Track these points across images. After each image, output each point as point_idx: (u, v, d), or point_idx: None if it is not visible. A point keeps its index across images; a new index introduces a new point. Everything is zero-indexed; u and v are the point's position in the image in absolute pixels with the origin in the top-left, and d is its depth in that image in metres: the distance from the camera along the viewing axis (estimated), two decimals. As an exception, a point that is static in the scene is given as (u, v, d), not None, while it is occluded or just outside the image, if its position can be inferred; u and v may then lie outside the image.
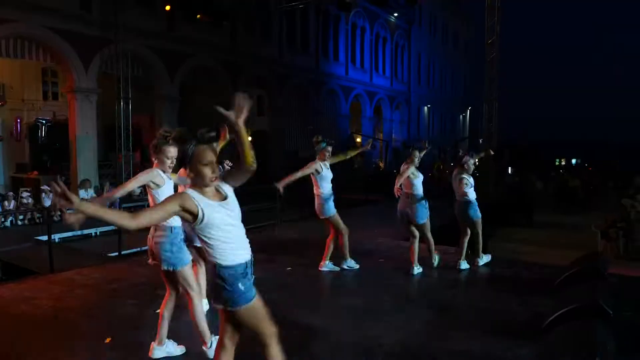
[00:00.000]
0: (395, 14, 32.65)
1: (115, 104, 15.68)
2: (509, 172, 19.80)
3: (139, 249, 7.38)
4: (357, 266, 5.68)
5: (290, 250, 6.59)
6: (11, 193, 12.15)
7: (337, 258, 5.65)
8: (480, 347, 3.34)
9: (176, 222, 3.34)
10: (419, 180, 5.51)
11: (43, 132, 14.23)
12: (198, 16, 17.28)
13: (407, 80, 36.17)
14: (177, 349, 3.45)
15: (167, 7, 16.36)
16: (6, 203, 10.87)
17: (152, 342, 3.41)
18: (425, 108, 39.26)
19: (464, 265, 5.81)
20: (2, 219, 10.28)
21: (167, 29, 17.34)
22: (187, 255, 3.43)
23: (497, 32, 14.52)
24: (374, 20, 31.03)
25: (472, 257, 5.95)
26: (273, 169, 23.07)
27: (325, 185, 5.44)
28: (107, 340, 3.64)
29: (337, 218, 5.50)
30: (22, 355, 3.37)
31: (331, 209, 5.44)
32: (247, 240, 2.54)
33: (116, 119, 15.44)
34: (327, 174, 5.47)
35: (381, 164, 32.46)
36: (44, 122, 14.36)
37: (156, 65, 17.22)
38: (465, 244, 5.91)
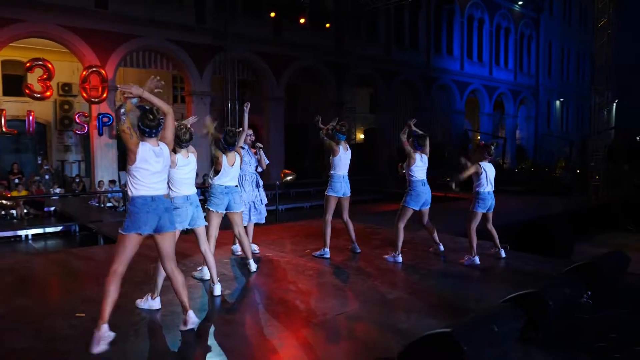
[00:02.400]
0: (520, 2, 30.57)
1: (228, 104, 17.32)
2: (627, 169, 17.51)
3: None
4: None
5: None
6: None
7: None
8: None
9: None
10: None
11: (163, 130, 16.32)
12: (302, 20, 18.21)
13: (534, 72, 33.59)
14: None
15: (272, 14, 17.55)
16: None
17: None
18: (557, 102, 36.01)
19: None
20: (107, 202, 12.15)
21: (274, 34, 18.61)
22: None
23: (609, 13, 12.99)
24: (494, 11, 29.44)
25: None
26: (379, 164, 23.34)
27: None
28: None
29: None
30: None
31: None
32: None
33: (224, 118, 17.07)
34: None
35: (503, 162, 30.60)
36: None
37: (263, 69, 18.61)
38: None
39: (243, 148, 5.57)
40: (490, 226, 5.79)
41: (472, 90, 28.62)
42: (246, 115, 5.59)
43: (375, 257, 5.84)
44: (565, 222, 10.12)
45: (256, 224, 6.02)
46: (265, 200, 6.04)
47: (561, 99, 36.13)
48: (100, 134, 14.65)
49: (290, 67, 19.31)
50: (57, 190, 13.04)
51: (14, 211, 11.01)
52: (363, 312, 3.99)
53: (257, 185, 5.89)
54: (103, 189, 12.80)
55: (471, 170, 5.58)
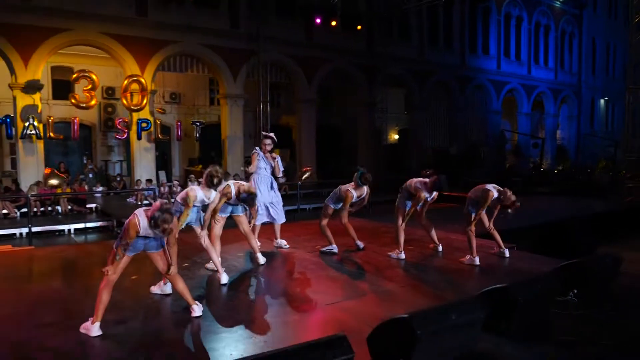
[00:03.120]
0: (561, -1, 29.80)
1: (260, 106, 17.87)
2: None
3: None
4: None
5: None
6: (167, 182, 15.02)
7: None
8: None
9: None
10: None
11: (197, 132, 17.06)
12: (333, 23, 18.52)
13: (576, 70, 32.58)
14: None
15: (303, 19, 17.97)
16: (161, 189, 13.57)
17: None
18: (602, 101, 34.77)
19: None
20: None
21: (306, 37, 19.01)
22: None
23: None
24: (533, 9, 28.79)
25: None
26: (411, 164, 23.32)
27: None
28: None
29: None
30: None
31: None
32: None
33: (256, 120, 17.62)
34: None
35: (541, 163, 29.88)
36: (198, 124, 17.21)
37: (295, 71, 19.05)
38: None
39: (258, 153, 6.25)
40: (491, 226, 5.93)
41: (510, 90, 28.11)
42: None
43: (380, 254, 6.10)
44: (589, 225, 9.98)
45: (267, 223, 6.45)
46: (281, 202, 6.44)
47: (606, 98, 34.87)
48: (139, 139, 15.47)
49: (321, 69, 19.65)
50: (99, 189, 13.88)
51: (59, 207, 11.87)
52: (354, 302, 4.29)
53: (271, 187, 6.30)
54: (140, 188, 13.54)
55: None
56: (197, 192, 4.66)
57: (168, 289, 4.44)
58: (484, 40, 26.47)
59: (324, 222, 6.19)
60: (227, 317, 4.00)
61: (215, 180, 4.71)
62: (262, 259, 5.57)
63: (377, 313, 3.97)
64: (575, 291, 4.11)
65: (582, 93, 32.98)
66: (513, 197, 5.64)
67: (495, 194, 5.64)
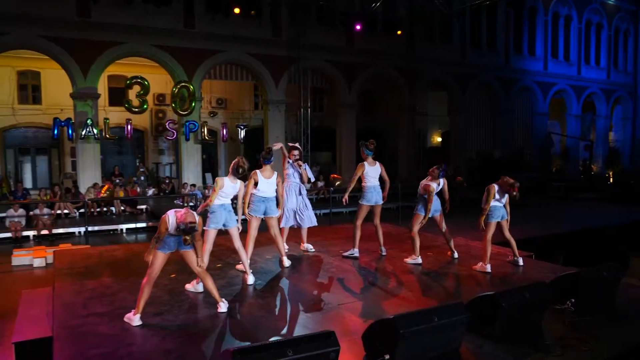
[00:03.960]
0: (616, -4, 28.73)
1: (301, 111, 18.48)
2: None
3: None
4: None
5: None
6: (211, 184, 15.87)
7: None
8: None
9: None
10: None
11: (241, 135, 17.88)
12: (374, 29, 18.87)
13: (631, 69, 31.29)
14: None
15: (344, 25, 18.41)
16: (206, 191, 14.41)
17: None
18: (660, 101, 33.15)
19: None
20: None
21: (346, 43, 19.45)
22: None
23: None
24: (584, 7, 27.94)
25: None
26: (453, 168, 23.27)
27: None
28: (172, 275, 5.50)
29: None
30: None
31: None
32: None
33: (297, 124, 18.24)
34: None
35: (591, 166, 28.96)
36: (242, 127, 18.03)
37: (335, 76, 19.54)
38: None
39: (288, 162, 6.73)
40: (508, 235, 6.16)
41: (557, 91, 27.43)
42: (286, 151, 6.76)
43: (400, 259, 6.48)
44: (623, 233, 9.90)
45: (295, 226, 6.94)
46: (310, 206, 6.92)
47: (664, 98, 33.22)
48: (187, 140, 16.42)
49: (362, 74, 20.02)
50: (150, 192, 14.90)
51: (113, 208, 12.90)
52: (364, 304, 4.73)
53: (299, 194, 6.79)
54: (186, 191, 14.43)
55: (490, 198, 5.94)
56: (224, 180, 5.18)
57: (200, 287, 5.02)
58: (529, 41, 26.00)
59: (358, 222, 6.58)
60: (248, 314, 4.55)
61: (241, 170, 5.23)
62: (287, 262, 6.08)
63: (382, 314, 4.40)
64: (573, 300, 4.37)
65: (638, 93, 31.65)
66: (511, 180, 5.86)
67: (496, 187, 5.87)
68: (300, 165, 6.77)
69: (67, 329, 3.95)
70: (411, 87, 21.36)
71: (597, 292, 4.47)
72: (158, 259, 4.33)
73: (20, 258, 7.57)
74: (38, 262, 7.52)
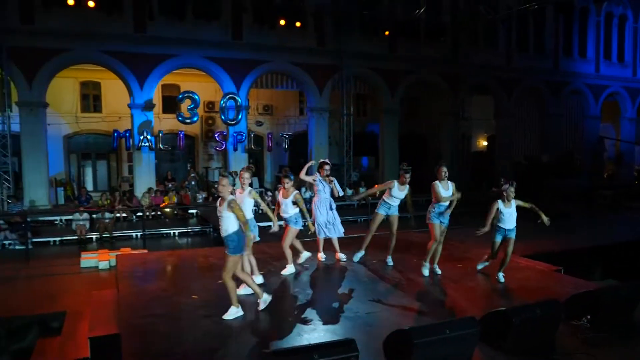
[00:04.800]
0: (676, -9, 27.42)
1: (344, 118, 18.96)
2: None
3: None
4: None
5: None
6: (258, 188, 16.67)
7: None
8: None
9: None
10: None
11: (286, 144, 18.62)
12: (417, 36, 19.07)
13: (693, 70, 29.74)
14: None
15: (387, 32, 18.74)
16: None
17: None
18: None
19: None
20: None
21: (389, 50, 19.74)
22: None
23: None
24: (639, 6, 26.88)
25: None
26: (499, 172, 23.00)
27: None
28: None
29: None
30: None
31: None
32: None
33: (340, 130, 18.75)
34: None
35: (646, 171, 27.80)
36: (286, 136, 18.76)
37: (378, 83, 19.88)
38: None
39: (318, 177, 7.20)
40: (509, 251, 6.35)
41: (611, 94, 26.56)
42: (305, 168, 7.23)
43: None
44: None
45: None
46: (338, 218, 7.33)
47: None
48: (235, 150, 17.28)
49: (404, 80, 20.24)
50: (201, 196, 15.83)
51: (167, 210, 13.87)
52: (390, 314, 5.17)
53: (330, 208, 7.24)
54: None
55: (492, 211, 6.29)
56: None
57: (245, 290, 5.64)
58: (580, 43, 25.33)
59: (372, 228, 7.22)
60: (280, 319, 5.11)
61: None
62: (290, 269, 6.68)
63: (402, 323, 4.81)
64: (589, 317, 4.63)
65: (700, 95, 30.06)
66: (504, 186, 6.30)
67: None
68: (330, 181, 7.16)
69: (131, 328, 4.60)
70: (455, 92, 21.38)
71: (614, 309, 4.70)
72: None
73: (88, 260, 8.51)
74: (103, 265, 8.44)
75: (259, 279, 6.01)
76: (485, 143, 27.32)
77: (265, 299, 5.17)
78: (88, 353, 4.43)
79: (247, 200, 5.82)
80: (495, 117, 23.90)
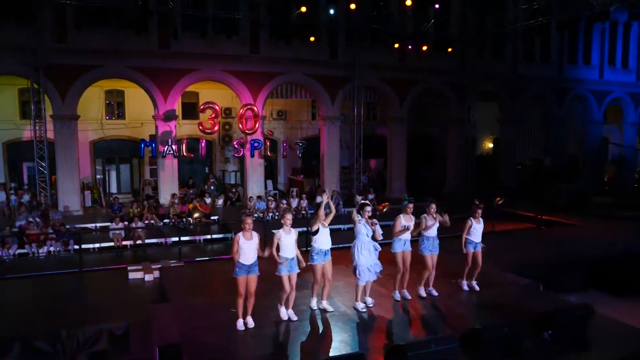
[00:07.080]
0: (680, 0, 27.93)
1: (354, 126, 20.02)
2: None
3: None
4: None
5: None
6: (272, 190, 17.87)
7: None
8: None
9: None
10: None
11: (300, 151, 19.77)
12: (424, 48, 19.97)
13: (696, 75, 30.27)
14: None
15: (396, 45, 19.67)
16: (269, 203, 16.38)
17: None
18: None
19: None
20: (262, 215, 15.63)
21: (398, 61, 20.68)
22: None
23: None
24: (644, 13, 27.43)
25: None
26: (503, 178, 23.93)
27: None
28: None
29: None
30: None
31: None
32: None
33: (351, 134, 19.89)
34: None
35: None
36: (300, 144, 19.91)
37: (387, 93, 20.86)
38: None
39: (360, 221, 7.02)
40: (479, 261, 7.76)
41: (614, 99, 27.29)
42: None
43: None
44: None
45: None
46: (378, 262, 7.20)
47: None
48: (252, 156, 18.43)
49: (413, 89, 21.19)
50: (220, 201, 17.02)
51: (190, 219, 15.05)
52: (390, 328, 6.29)
53: (375, 250, 7.10)
54: (252, 204, 16.38)
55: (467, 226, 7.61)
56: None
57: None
58: (584, 50, 26.05)
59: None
60: (303, 333, 6.23)
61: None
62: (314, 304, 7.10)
63: (405, 338, 5.95)
64: (550, 332, 5.73)
65: None
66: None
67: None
68: (374, 224, 7.02)
69: (187, 338, 5.76)
70: (461, 101, 22.27)
71: (571, 326, 5.80)
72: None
73: (134, 273, 9.62)
74: (148, 277, 9.49)
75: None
76: (490, 145, 28.19)
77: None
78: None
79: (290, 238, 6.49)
80: (500, 122, 24.75)
